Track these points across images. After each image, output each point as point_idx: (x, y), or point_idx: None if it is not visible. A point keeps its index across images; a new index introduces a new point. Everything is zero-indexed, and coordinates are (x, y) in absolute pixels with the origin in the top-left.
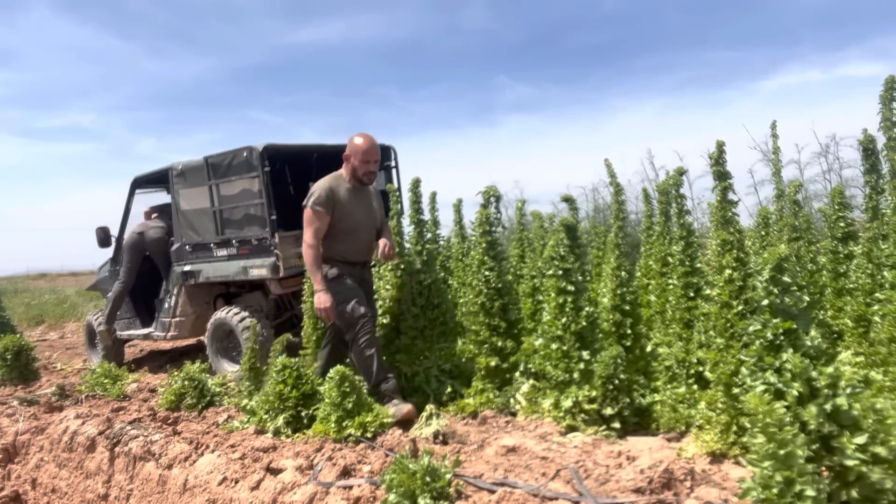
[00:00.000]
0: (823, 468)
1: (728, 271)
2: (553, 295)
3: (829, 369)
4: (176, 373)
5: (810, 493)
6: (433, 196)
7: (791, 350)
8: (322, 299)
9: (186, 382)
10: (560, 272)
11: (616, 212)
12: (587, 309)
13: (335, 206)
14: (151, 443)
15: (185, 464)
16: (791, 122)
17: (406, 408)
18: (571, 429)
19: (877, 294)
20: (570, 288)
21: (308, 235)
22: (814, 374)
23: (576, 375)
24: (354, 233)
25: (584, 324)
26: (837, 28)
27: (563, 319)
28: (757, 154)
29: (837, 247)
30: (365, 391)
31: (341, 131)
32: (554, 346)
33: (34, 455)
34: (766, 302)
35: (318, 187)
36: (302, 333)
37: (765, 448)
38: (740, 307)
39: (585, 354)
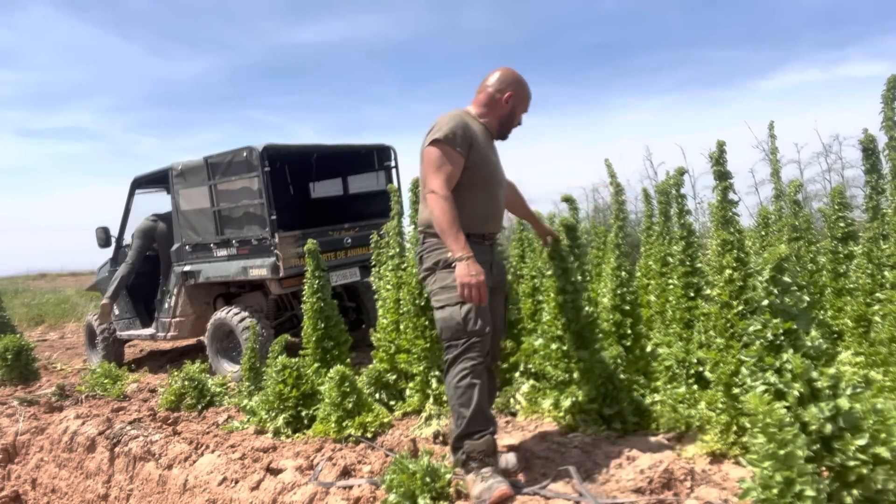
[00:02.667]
0: (824, 469)
1: (728, 271)
2: (553, 295)
3: (830, 370)
4: (176, 373)
5: (810, 493)
6: None
7: (791, 350)
8: (468, 270)
9: (186, 382)
10: (560, 272)
11: (616, 212)
12: (587, 309)
13: (472, 148)
14: (151, 443)
15: (185, 464)
16: (791, 122)
17: (499, 490)
18: (571, 429)
19: (877, 294)
20: (570, 288)
21: (437, 182)
22: (814, 374)
23: (576, 375)
24: (490, 190)
25: (584, 324)
26: (837, 28)
27: (563, 319)
28: (758, 153)
29: (837, 247)
30: (366, 392)
31: (341, 131)
32: (554, 346)
33: (34, 455)
34: (766, 302)
35: (448, 120)
36: (302, 333)
37: (765, 448)
38: (740, 307)
39: (585, 354)
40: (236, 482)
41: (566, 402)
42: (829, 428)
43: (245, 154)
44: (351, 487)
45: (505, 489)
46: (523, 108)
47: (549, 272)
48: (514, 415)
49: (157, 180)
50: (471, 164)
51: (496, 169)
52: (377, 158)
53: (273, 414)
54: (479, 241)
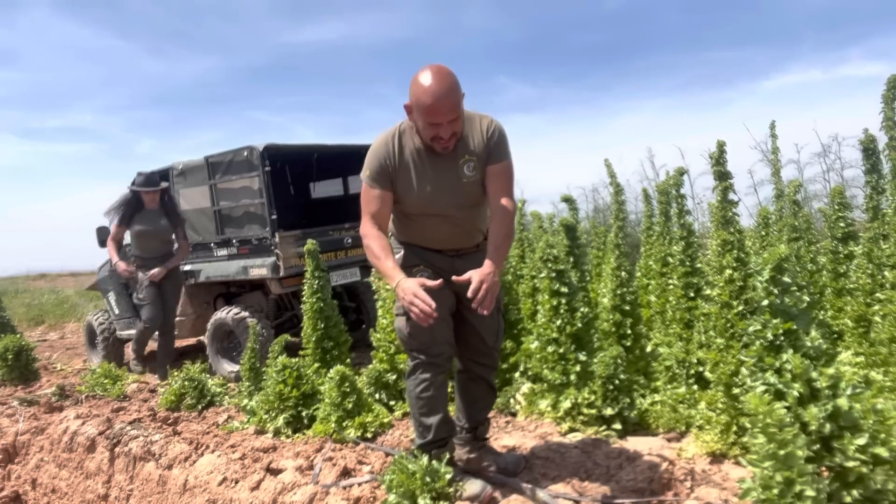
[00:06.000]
0: (824, 469)
1: (728, 271)
2: (546, 297)
3: (830, 370)
4: (176, 373)
5: (810, 493)
6: None
7: (791, 350)
8: (402, 293)
9: (186, 383)
10: (553, 274)
11: (616, 212)
12: (583, 310)
13: (395, 177)
14: (151, 443)
15: (185, 464)
16: (792, 122)
17: (487, 491)
18: (571, 429)
19: (877, 294)
20: (565, 289)
21: (364, 225)
22: (814, 374)
23: (572, 378)
24: (426, 220)
25: (581, 325)
26: (837, 28)
27: (559, 322)
28: (757, 154)
29: (837, 247)
30: (366, 392)
31: (341, 131)
32: (550, 348)
33: (34, 455)
34: (765, 302)
35: (371, 151)
36: (302, 333)
37: (765, 448)
38: (740, 307)
39: (582, 356)
40: (236, 482)
41: (565, 404)
42: (828, 428)
43: (246, 153)
44: (351, 487)
45: (490, 490)
46: (426, 118)
47: (543, 274)
48: (513, 415)
49: None
50: (399, 196)
51: (434, 197)
52: None
53: (273, 414)
54: (437, 251)
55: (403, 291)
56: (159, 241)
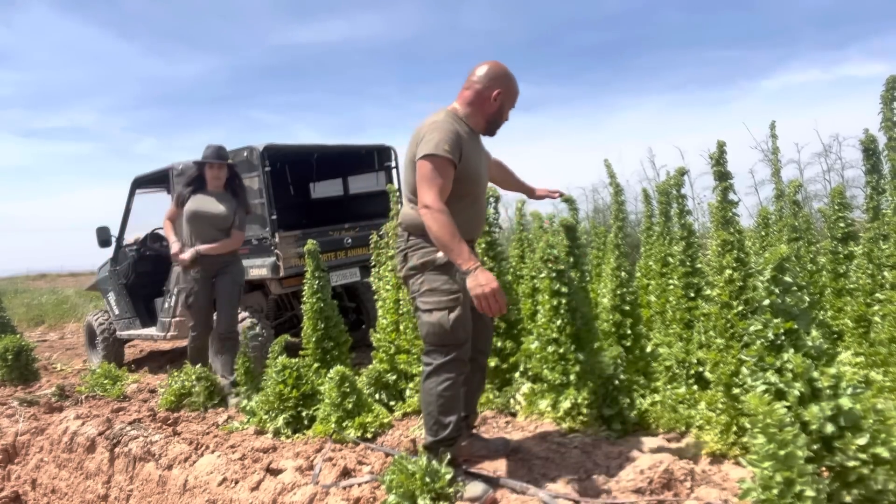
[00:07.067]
0: (824, 469)
1: (728, 271)
2: (547, 297)
3: (831, 370)
4: (176, 373)
5: (810, 493)
6: None
7: (792, 350)
8: (479, 281)
9: (197, 380)
10: (553, 274)
11: (616, 212)
12: (583, 310)
13: (461, 158)
14: (151, 443)
15: (185, 464)
16: (792, 122)
17: (489, 494)
18: (571, 429)
19: (877, 294)
20: (565, 289)
21: (431, 197)
22: (815, 374)
23: (572, 378)
24: (478, 200)
25: (581, 325)
26: (837, 28)
27: (559, 322)
28: (758, 154)
29: (837, 247)
30: (366, 392)
31: (341, 131)
32: (550, 348)
33: (34, 456)
34: (767, 302)
35: (439, 131)
36: (302, 333)
37: (765, 448)
38: (740, 307)
39: (583, 356)
40: (236, 482)
41: (565, 404)
42: (829, 428)
43: (246, 154)
44: (351, 488)
45: (491, 493)
46: (511, 104)
47: (543, 274)
48: (514, 415)
49: (158, 180)
50: (459, 176)
51: (483, 176)
52: (377, 159)
53: (273, 414)
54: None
55: (486, 280)
56: (214, 227)
